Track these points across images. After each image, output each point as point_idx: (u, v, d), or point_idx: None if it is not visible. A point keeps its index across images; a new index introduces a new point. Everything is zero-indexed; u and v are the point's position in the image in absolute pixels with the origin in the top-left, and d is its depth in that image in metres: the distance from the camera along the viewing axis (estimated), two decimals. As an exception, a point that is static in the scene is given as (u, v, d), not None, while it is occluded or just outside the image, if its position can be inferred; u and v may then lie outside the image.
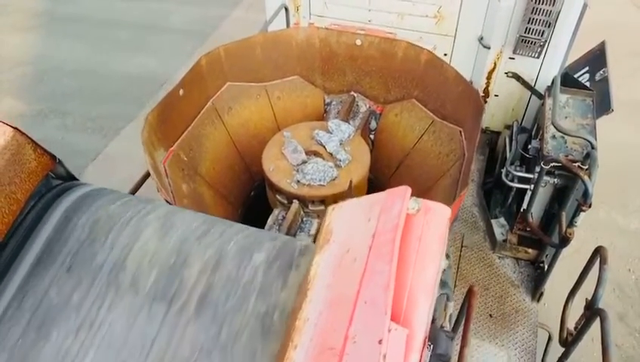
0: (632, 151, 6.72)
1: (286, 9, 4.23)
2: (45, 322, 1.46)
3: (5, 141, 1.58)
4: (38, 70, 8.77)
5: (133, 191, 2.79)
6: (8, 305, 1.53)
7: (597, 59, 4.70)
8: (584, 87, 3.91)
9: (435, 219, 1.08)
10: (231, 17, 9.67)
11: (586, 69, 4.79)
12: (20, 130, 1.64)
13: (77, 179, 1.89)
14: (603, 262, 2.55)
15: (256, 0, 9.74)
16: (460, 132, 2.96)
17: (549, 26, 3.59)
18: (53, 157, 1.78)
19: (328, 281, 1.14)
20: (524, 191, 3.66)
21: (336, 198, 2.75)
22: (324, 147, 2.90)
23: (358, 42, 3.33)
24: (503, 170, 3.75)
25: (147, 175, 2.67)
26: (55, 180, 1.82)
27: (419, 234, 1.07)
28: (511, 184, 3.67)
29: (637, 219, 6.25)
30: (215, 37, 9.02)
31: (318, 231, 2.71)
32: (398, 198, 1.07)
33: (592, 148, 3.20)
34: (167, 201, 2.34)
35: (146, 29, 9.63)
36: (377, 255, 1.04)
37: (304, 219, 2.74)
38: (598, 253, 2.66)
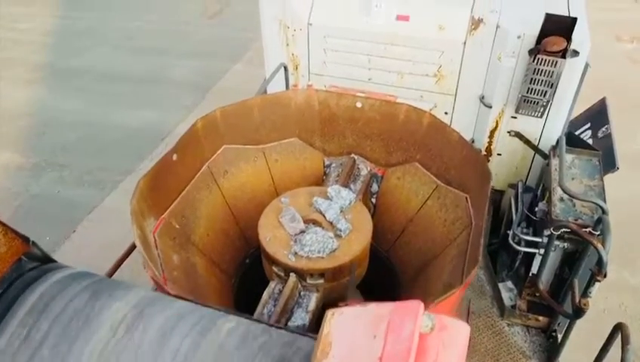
0: (636, 204, 6.59)
1: (285, 68, 4.21)
2: None
3: (-29, 226, 1.45)
4: (38, 123, 8.78)
5: (119, 263, 2.64)
6: None
7: (598, 115, 4.65)
8: (589, 147, 3.82)
9: (452, 339, 0.93)
10: (232, 71, 9.78)
11: (588, 125, 4.74)
12: None
13: (54, 261, 1.75)
14: (625, 341, 2.35)
15: (257, 54, 9.89)
16: (467, 198, 2.83)
17: (551, 86, 3.53)
18: (25, 239, 1.64)
19: (328, 409, 0.97)
20: (532, 254, 3.50)
21: (336, 271, 2.59)
22: (323, 215, 2.76)
23: (359, 105, 3.26)
24: (510, 233, 3.60)
25: (133, 246, 2.53)
26: (29, 262, 1.68)
27: (434, 357, 0.91)
28: (518, 248, 3.51)
29: (646, 278, 6.04)
30: (216, 90, 9.08)
31: (316, 307, 2.54)
32: (410, 316, 0.92)
33: (604, 212, 3.07)
34: (153, 280, 2.19)
35: (147, 82, 9.72)
36: (386, 386, 0.88)
37: (302, 293, 2.57)
38: (619, 330, 2.47)
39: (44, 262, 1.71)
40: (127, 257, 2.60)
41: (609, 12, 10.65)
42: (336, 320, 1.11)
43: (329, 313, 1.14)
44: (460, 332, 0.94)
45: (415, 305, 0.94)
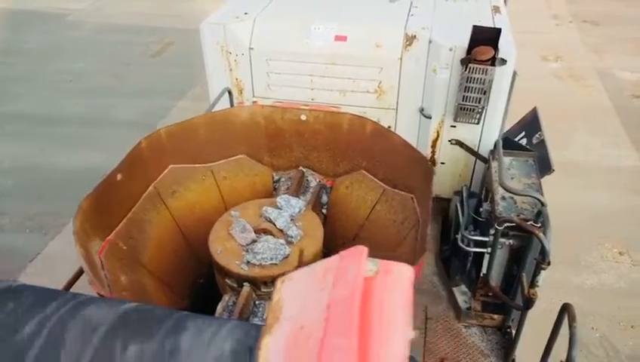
0: (571, 207, 6.90)
1: (229, 92, 4.24)
2: None
3: None
4: (-29, 171, 8.34)
5: (66, 289, 2.52)
6: None
7: (531, 124, 4.94)
8: (525, 149, 4.04)
9: (397, 282, 0.95)
10: (177, 108, 9.71)
11: (523, 134, 5.02)
12: None
13: None
14: (572, 319, 2.46)
15: (202, 90, 9.89)
16: (412, 198, 2.91)
17: (484, 93, 3.73)
18: None
19: (281, 367, 0.96)
20: (481, 256, 3.61)
21: (291, 277, 2.57)
22: (273, 224, 2.76)
23: (303, 117, 3.32)
24: (459, 236, 3.72)
25: (81, 271, 2.42)
26: None
27: (380, 299, 0.93)
28: (467, 249, 3.62)
29: (589, 276, 6.33)
30: (161, 126, 8.97)
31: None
32: (353, 261, 0.95)
33: (542, 205, 3.23)
34: (99, 294, 2.11)
35: (89, 123, 9.48)
36: (335, 328, 0.89)
37: (257, 302, 2.54)
38: (566, 310, 2.58)
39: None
40: (73, 283, 2.47)
41: (533, 34, 11.45)
42: (286, 285, 1.11)
43: (279, 281, 1.14)
44: (404, 274, 0.97)
45: (358, 250, 0.96)
